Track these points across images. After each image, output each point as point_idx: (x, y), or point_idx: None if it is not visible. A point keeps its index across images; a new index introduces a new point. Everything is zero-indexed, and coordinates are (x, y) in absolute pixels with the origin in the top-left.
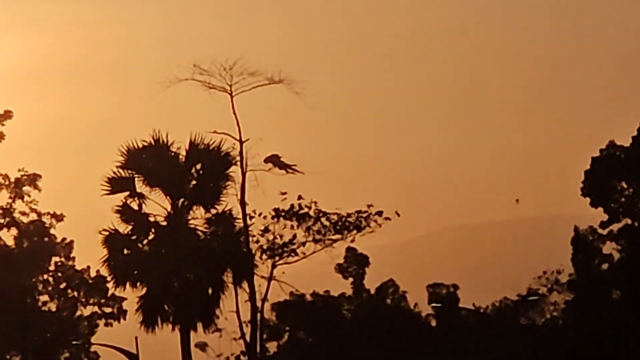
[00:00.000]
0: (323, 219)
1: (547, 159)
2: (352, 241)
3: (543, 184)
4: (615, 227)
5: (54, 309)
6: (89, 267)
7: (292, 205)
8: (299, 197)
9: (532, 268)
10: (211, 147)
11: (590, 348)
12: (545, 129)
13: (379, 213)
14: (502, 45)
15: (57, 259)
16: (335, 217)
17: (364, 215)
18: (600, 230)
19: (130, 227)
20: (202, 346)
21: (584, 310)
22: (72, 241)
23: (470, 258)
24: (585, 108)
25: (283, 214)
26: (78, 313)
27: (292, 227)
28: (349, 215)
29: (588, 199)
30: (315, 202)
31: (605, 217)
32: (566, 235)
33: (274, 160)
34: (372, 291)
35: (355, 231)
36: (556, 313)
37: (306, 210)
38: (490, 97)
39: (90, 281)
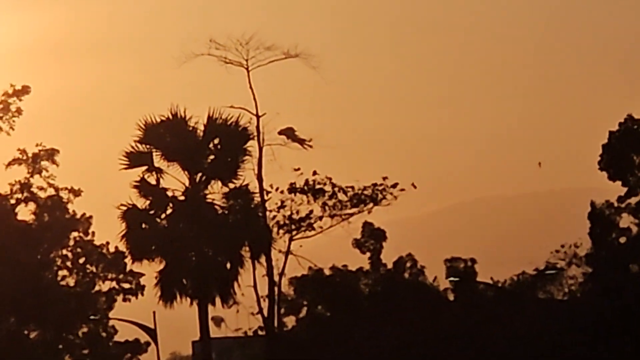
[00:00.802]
0: (339, 194)
1: (565, 133)
2: (369, 212)
3: (561, 158)
4: (633, 200)
5: (72, 284)
6: (107, 243)
7: (307, 181)
8: (314, 173)
9: (551, 242)
10: (229, 122)
11: (608, 322)
12: (563, 103)
13: (395, 185)
14: (519, 17)
15: (75, 234)
16: (351, 192)
17: (380, 187)
18: (617, 204)
19: (148, 202)
20: (218, 321)
21: (601, 284)
22: (90, 216)
23: (488, 232)
24: (603, 82)
25: (299, 189)
26: (96, 288)
27: (308, 202)
28: (365, 188)
29: (606, 173)
30: (330, 179)
31: (624, 190)
32: (584, 209)
33: (288, 132)
34: (390, 265)
35: (371, 204)
36: (574, 287)
37: (321, 186)
38: (509, 69)
39: (108, 256)
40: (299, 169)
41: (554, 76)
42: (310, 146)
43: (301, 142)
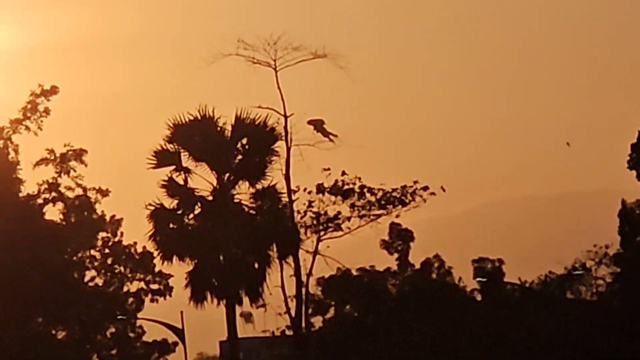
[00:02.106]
0: (368, 195)
1: (593, 133)
2: (397, 216)
3: (590, 158)
4: None
5: (100, 284)
6: (135, 243)
7: (335, 181)
8: (343, 173)
9: (580, 243)
10: (257, 122)
11: (636, 322)
12: (591, 102)
13: (425, 188)
14: (546, 18)
15: (104, 234)
16: (380, 193)
17: (409, 190)
18: None
19: (176, 202)
20: (247, 316)
21: (629, 284)
22: (121, 218)
23: (515, 233)
24: (631, 81)
25: (327, 189)
26: (125, 289)
27: (334, 202)
28: (394, 190)
29: (635, 172)
30: (360, 178)
31: None
32: (614, 209)
33: (317, 123)
34: (417, 266)
35: (400, 206)
36: (601, 288)
37: (350, 186)
38: (535, 71)
39: (136, 257)
40: (328, 169)
41: (582, 76)
42: (335, 139)
43: (327, 134)
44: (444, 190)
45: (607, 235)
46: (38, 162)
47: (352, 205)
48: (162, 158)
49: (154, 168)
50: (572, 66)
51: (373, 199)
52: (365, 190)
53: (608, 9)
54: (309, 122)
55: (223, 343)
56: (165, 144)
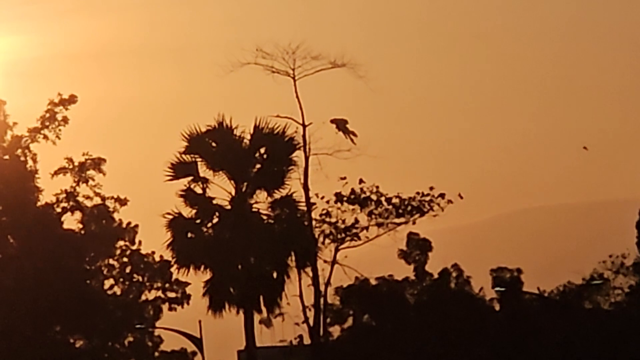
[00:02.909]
0: (385, 203)
1: (611, 142)
2: (413, 223)
3: (609, 168)
4: None
5: (119, 293)
6: (153, 252)
7: (352, 190)
8: (360, 181)
9: (598, 252)
10: (275, 132)
11: None
12: (610, 113)
13: (442, 195)
14: (563, 28)
15: (122, 243)
16: (397, 201)
17: (427, 198)
18: None
19: (194, 211)
20: (267, 322)
21: None
22: (136, 225)
23: (534, 242)
24: None
25: (345, 198)
26: (143, 297)
27: (353, 210)
28: (411, 198)
29: None
30: (378, 187)
31: None
32: (632, 219)
33: (340, 122)
34: (436, 275)
35: (418, 215)
36: (620, 298)
37: (368, 194)
38: (554, 80)
39: (154, 266)
40: (344, 178)
41: (603, 85)
42: (353, 148)
43: (347, 132)
44: (461, 197)
45: (626, 245)
46: (56, 171)
47: (370, 213)
48: (179, 169)
49: (171, 180)
50: (593, 75)
51: (391, 207)
52: (382, 198)
53: (632, 18)
54: (332, 121)
55: (241, 352)
56: (182, 156)
